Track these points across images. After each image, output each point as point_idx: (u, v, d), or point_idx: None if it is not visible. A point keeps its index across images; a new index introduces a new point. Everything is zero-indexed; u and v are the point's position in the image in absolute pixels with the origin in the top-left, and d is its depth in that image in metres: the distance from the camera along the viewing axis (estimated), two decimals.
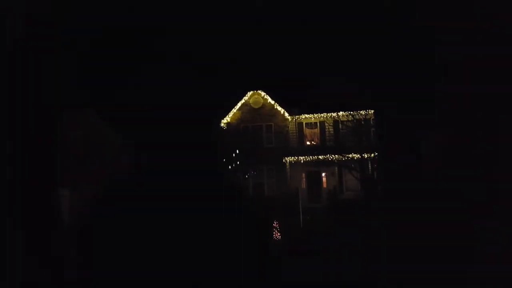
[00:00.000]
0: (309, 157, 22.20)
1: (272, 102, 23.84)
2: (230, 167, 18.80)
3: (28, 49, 5.05)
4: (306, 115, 23.53)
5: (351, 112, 21.63)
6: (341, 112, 22.60)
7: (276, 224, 13.16)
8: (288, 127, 23.70)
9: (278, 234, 13.03)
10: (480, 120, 4.71)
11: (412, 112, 5.71)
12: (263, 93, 23.98)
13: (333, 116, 23.03)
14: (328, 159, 21.81)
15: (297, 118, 23.64)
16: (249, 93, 24.08)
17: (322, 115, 23.30)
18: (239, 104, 24.06)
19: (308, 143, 23.78)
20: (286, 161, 22.48)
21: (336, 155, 21.60)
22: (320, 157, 21.95)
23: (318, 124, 23.78)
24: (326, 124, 23.46)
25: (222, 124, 23.76)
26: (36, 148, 5.62)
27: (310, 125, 23.95)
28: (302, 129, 23.89)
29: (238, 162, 20.09)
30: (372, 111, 18.54)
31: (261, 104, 24.01)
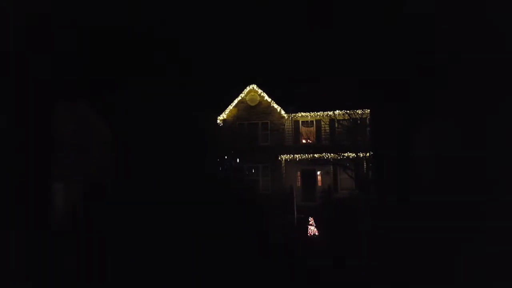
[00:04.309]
0: (305, 156, 22.23)
1: (269, 99, 23.82)
2: (225, 163, 18.78)
3: (27, 48, 5.02)
4: (303, 113, 23.54)
5: (348, 111, 21.66)
6: (337, 111, 22.63)
7: (311, 220, 13.62)
8: (284, 125, 23.69)
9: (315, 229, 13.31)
10: (472, 119, 4.73)
11: (406, 112, 5.73)
12: (259, 91, 23.95)
13: (330, 114, 23.05)
14: (324, 157, 21.85)
15: (294, 116, 23.64)
16: (246, 90, 24.04)
17: (318, 113, 23.31)
18: (235, 101, 24.01)
19: (304, 141, 23.81)
20: (282, 159, 22.49)
21: (332, 154, 21.64)
22: (315, 155, 21.98)
23: (314, 122, 23.80)
24: (322, 123, 23.48)
25: (218, 121, 23.72)
26: (31, 144, 5.59)
27: (306, 123, 23.96)
28: (298, 127, 23.90)
29: (232, 159, 20.07)
30: (369, 110, 18.59)
31: (258, 101, 23.97)
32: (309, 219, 14.26)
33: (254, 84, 23.98)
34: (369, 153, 18.81)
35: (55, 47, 5.71)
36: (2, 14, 4.72)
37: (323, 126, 23.49)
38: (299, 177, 22.99)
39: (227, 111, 23.93)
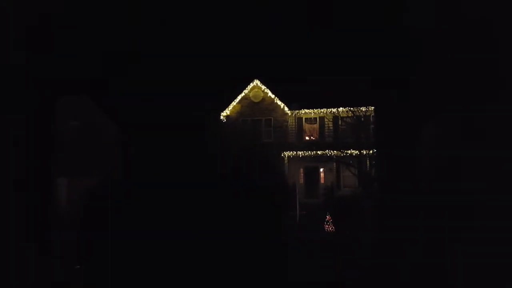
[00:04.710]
0: (308, 152, 22.20)
1: (272, 96, 23.76)
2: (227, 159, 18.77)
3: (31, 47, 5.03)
4: (306, 110, 23.47)
5: (351, 108, 21.59)
6: (341, 108, 22.56)
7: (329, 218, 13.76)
8: (288, 121, 23.65)
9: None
10: (474, 118, 4.70)
11: (411, 111, 5.70)
12: (263, 87, 23.89)
13: (333, 111, 22.98)
14: (327, 154, 21.82)
15: (297, 113, 23.59)
16: (249, 87, 23.99)
17: (322, 110, 23.24)
18: (239, 97, 23.97)
19: (307, 138, 23.76)
20: (285, 155, 22.48)
21: (335, 151, 21.61)
22: (318, 152, 21.95)
23: (317, 119, 23.74)
24: (325, 120, 23.43)
25: (221, 117, 23.69)
26: (34, 142, 5.61)
27: (309, 120, 23.91)
28: (302, 124, 23.85)
29: (233, 157, 20.05)
30: (373, 107, 18.52)
31: (261, 98, 23.93)
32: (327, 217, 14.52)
33: (258, 80, 23.92)
34: (373, 150, 18.77)
35: (57, 46, 5.71)
36: (3, 13, 4.72)
37: (326, 123, 23.43)
38: (302, 174, 22.98)
39: (230, 107, 23.89)
